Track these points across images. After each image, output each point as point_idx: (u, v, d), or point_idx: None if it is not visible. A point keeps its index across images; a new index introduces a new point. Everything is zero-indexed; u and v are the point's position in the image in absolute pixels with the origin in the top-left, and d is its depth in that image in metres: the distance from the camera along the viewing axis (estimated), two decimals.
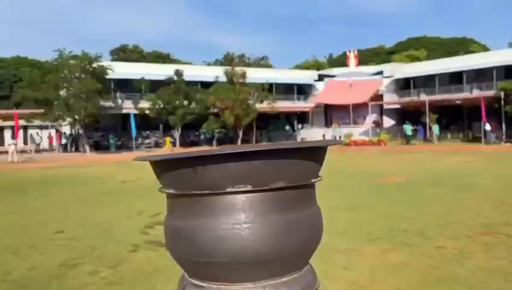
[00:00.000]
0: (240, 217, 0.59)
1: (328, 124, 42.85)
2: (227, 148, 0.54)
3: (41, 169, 19.94)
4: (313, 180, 0.63)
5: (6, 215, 9.21)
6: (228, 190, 0.58)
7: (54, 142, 34.42)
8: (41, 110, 29.66)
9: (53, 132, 36.01)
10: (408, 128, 30.46)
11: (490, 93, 31.03)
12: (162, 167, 0.59)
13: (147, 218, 8.50)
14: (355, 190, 11.00)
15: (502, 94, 28.32)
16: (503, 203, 8.89)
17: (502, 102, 28.13)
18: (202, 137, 36.29)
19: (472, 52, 47.55)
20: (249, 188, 0.58)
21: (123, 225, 8.00)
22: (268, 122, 41.51)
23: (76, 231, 7.56)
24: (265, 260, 0.59)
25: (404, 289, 4.53)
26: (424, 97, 34.79)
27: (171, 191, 0.62)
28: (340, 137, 33.36)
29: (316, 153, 0.62)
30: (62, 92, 29.51)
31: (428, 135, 32.68)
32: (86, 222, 8.35)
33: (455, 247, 5.93)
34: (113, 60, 42.44)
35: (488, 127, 26.90)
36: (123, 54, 59.67)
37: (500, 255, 5.55)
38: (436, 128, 30.38)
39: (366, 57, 61.25)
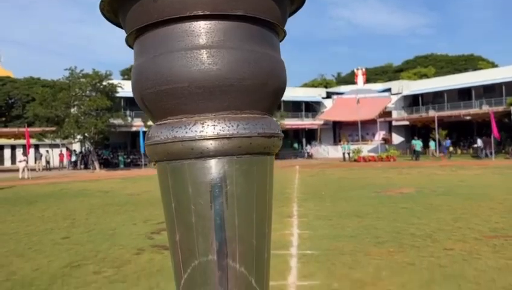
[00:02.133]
0: (198, 43, 0.60)
1: (336, 141, 42.76)
2: None
3: (51, 184, 20.07)
4: (274, 21, 0.64)
5: (13, 224, 9.25)
6: (187, 14, 0.59)
7: (64, 160, 34.72)
8: (53, 128, 30.03)
9: (64, 150, 36.37)
10: (418, 144, 30.22)
11: (500, 108, 30.84)
12: None
13: (153, 225, 8.49)
14: (363, 200, 10.88)
15: (511, 109, 28.16)
16: (482, 207, 8.77)
17: None
18: None
19: (480, 69, 47.48)
20: (207, 13, 0.59)
21: (128, 231, 7.98)
22: None
23: (82, 237, 7.57)
24: (223, 86, 0.60)
25: (410, 286, 4.44)
26: (433, 113, 34.63)
27: (134, 29, 0.63)
28: (349, 154, 33.21)
29: None
30: (73, 110, 29.89)
31: (438, 150, 32.49)
32: (91, 229, 8.35)
33: (463, 249, 5.83)
34: (123, 79, 42.89)
35: (479, 143, 26.91)
36: None
37: (510, 255, 5.44)
38: (432, 145, 30.38)
39: (374, 75, 61.42)
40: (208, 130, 0.60)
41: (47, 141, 39.28)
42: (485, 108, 32.66)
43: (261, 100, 0.64)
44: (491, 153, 27.37)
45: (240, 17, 0.60)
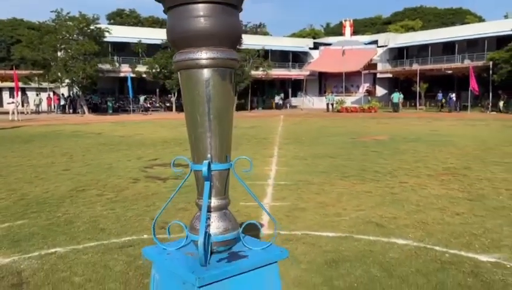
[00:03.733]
0: (200, 14, 1.30)
1: (321, 92, 43.46)
2: None
3: (43, 126, 20.59)
4: (236, 4, 1.38)
5: (15, 158, 9.96)
6: (197, 0, 1.33)
7: (53, 104, 34.88)
8: (40, 71, 30.01)
9: (51, 94, 36.42)
10: (396, 96, 31.38)
11: (479, 63, 31.67)
12: None
13: (146, 161, 9.32)
14: (339, 145, 11.79)
15: (491, 64, 29.03)
16: (469, 154, 9.75)
17: (491, 72, 28.86)
18: None
19: (467, 23, 47.80)
20: (206, 1, 1.34)
21: (124, 165, 8.80)
22: (264, 88, 42.07)
23: (81, 170, 8.36)
24: (211, 34, 1.33)
25: (363, 207, 5.38)
26: (416, 66, 35.37)
27: (168, 5, 1.37)
28: (332, 104, 34.06)
29: None
30: (60, 54, 29.77)
31: (418, 104, 33.60)
32: (89, 163, 9.13)
33: (416, 182, 6.79)
34: (109, 24, 42.28)
35: (453, 96, 28.23)
36: (119, 18, 59.24)
37: (452, 187, 6.42)
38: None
39: (363, 27, 61.24)
40: (203, 55, 1.36)
41: (33, 85, 39.19)
42: (467, 62, 33.46)
43: (228, 42, 1.40)
44: (457, 108, 28.67)
45: (219, 3, 1.35)
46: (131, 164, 8.97)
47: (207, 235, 1.38)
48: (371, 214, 5.02)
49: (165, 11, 1.44)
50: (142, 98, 35.81)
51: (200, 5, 1.34)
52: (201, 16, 1.34)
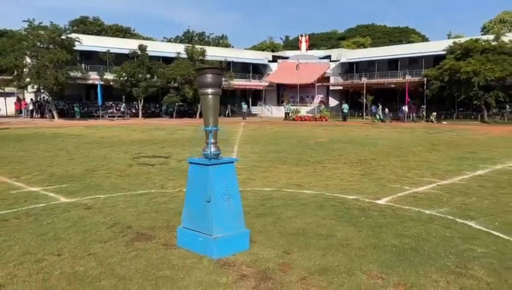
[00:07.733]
0: (209, 75, 3.99)
1: (279, 102, 46.81)
2: None
3: (21, 129, 22.30)
4: (221, 73, 4.00)
5: (21, 153, 12.09)
6: (207, 73, 3.95)
7: (23, 109, 36.04)
8: (10, 77, 31.33)
9: (16, 99, 37.51)
10: (345, 107, 35.23)
11: (416, 79, 35.97)
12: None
13: (132, 154, 11.74)
14: (286, 145, 14.63)
15: (425, 80, 33.21)
16: (382, 151, 12.80)
17: (425, 87, 33.00)
18: (163, 109, 39.00)
19: (412, 41, 52.77)
20: (210, 74, 3.97)
21: (116, 157, 11.20)
22: (225, 98, 44.76)
23: (84, 159, 10.70)
24: (213, 84, 3.98)
25: (293, 178, 8.13)
26: (363, 80, 39.28)
27: (198, 74, 3.98)
28: (288, 113, 37.32)
29: None
30: (29, 61, 31.26)
31: (365, 114, 37.44)
32: (87, 155, 11.46)
33: (333, 166, 9.63)
34: (72, 31, 43.60)
35: (406, 108, 32.27)
36: (83, 26, 60.34)
37: (356, 169, 9.31)
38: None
39: (320, 41, 65.43)
40: (209, 90, 4.04)
41: None
42: (408, 78, 37.63)
43: (218, 86, 4.08)
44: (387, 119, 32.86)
45: (216, 74, 4.02)
46: (121, 156, 11.38)
47: (210, 151, 4.07)
48: (296, 181, 7.80)
49: (197, 75, 4.12)
50: (117, 105, 37.85)
51: (209, 75, 4.04)
52: (209, 78, 4.04)
